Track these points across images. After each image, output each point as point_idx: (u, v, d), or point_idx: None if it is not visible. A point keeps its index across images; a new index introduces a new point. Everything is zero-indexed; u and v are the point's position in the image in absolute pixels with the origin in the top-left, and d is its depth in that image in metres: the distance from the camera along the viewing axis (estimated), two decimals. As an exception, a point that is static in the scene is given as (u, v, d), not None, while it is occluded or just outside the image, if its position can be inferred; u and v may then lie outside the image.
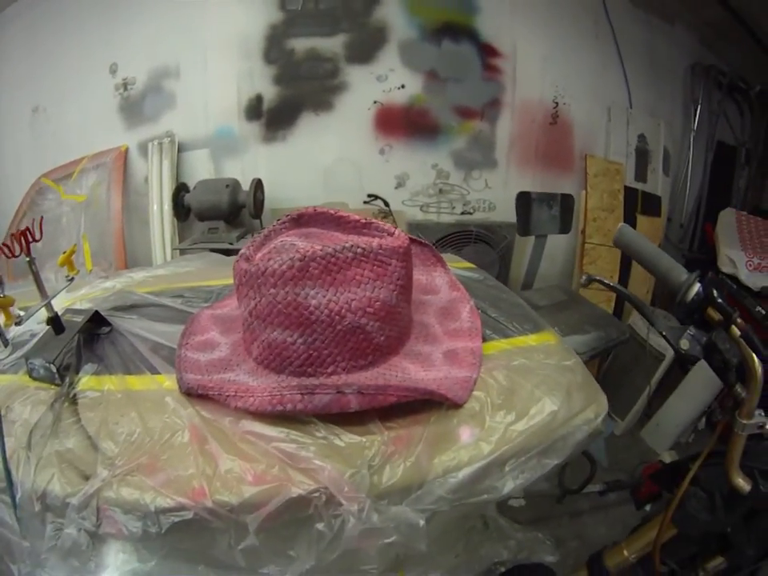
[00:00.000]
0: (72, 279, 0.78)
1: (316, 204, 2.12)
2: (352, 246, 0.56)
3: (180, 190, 1.95)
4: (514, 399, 0.59)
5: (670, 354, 1.81)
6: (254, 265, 0.57)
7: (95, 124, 2.10)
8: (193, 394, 0.59)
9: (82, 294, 0.89)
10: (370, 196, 2.12)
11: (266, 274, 0.55)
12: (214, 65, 2.00)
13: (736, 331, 0.59)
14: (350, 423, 0.55)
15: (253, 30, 1.97)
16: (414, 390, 0.55)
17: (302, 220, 0.71)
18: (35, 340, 0.70)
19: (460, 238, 2.09)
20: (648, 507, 1.09)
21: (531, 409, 0.58)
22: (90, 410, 0.58)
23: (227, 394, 0.56)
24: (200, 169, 2.08)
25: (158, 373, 0.64)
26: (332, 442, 0.53)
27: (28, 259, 0.65)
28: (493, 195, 2.16)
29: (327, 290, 0.55)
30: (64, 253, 0.77)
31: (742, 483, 0.61)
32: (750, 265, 1.75)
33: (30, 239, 0.66)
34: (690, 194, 2.49)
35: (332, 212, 0.69)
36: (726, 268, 1.80)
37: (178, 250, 1.97)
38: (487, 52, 2.04)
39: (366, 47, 1.98)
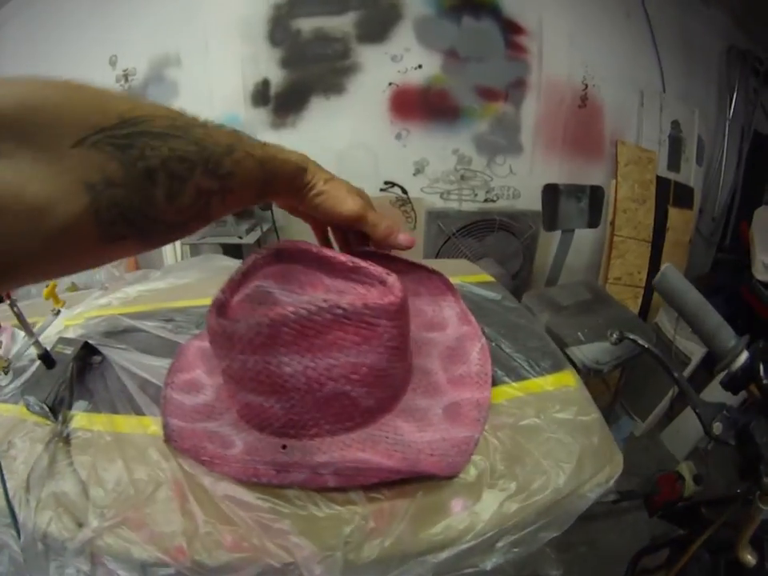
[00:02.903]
0: (58, 312, 0.81)
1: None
2: (330, 306, 0.51)
3: (187, 182, 2.00)
4: (517, 468, 0.56)
5: (696, 357, 1.83)
6: (221, 323, 0.54)
7: (99, 118, 2.15)
8: (173, 447, 0.59)
9: (77, 313, 0.89)
10: (386, 183, 2.14)
11: (234, 339, 0.53)
12: (216, 50, 2.01)
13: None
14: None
15: (255, 11, 1.96)
16: (398, 472, 0.54)
17: (282, 255, 0.66)
18: (29, 372, 0.72)
19: (482, 227, 2.11)
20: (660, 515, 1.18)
21: (534, 483, 0.55)
22: (81, 452, 0.61)
23: (202, 458, 0.57)
24: (208, 159, 2.12)
25: (143, 414, 0.65)
26: (311, 513, 0.53)
27: (9, 302, 0.66)
28: (517, 182, 2.17)
29: (303, 356, 0.52)
30: (47, 286, 0.80)
31: (749, 558, 0.65)
32: (785, 274, 1.71)
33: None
34: (723, 186, 2.45)
35: (314, 251, 0.62)
36: (760, 275, 1.76)
37: (188, 246, 2.05)
38: (510, 29, 2.00)
39: (379, 25, 1.96)
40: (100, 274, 2.07)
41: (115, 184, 0.29)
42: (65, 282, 1.98)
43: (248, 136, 0.41)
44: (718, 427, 0.63)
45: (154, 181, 0.31)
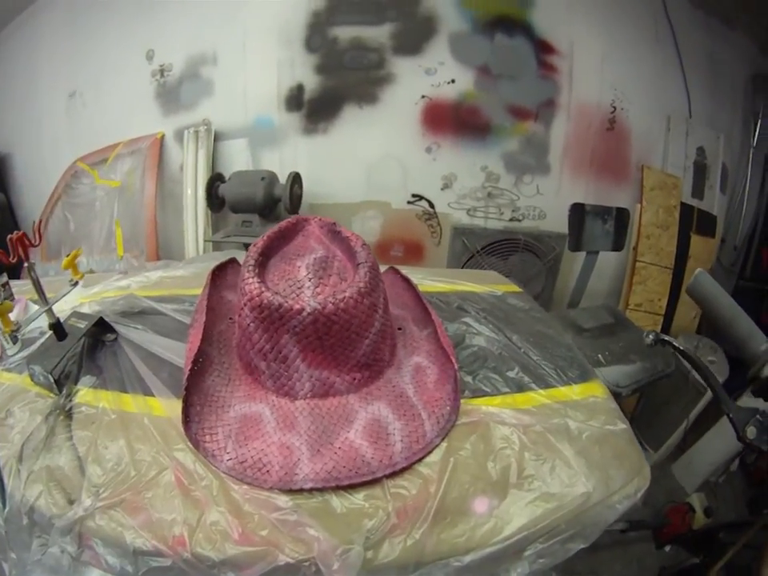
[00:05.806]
0: (76, 283, 0.81)
1: (356, 202, 2.16)
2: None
3: (215, 180, 2.04)
4: (545, 469, 0.56)
5: (711, 389, 1.86)
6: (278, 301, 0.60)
7: (131, 110, 2.23)
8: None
9: (94, 292, 0.90)
10: (414, 196, 2.19)
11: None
12: (253, 52, 2.08)
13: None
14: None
15: (294, 16, 2.04)
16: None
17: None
18: (38, 343, 0.73)
19: (507, 246, 2.14)
20: (668, 548, 1.18)
21: (564, 487, 0.55)
22: (82, 428, 0.60)
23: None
24: (237, 159, 2.18)
25: (153, 395, 0.63)
26: (331, 505, 0.52)
27: (27, 265, 0.66)
28: (544, 202, 2.21)
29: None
30: (67, 256, 0.79)
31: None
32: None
33: (28, 244, 0.67)
34: (746, 214, 2.48)
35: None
36: (782, 302, 1.79)
37: (210, 243, 2.10)
38: (542, 48, 2.06)
39: (414, 38, 2.03)
40: (120, 263, 2.13)
41: None
42: (83, 267, 2.06)
43: None
44: (751, 431, 0.65)
45: None
